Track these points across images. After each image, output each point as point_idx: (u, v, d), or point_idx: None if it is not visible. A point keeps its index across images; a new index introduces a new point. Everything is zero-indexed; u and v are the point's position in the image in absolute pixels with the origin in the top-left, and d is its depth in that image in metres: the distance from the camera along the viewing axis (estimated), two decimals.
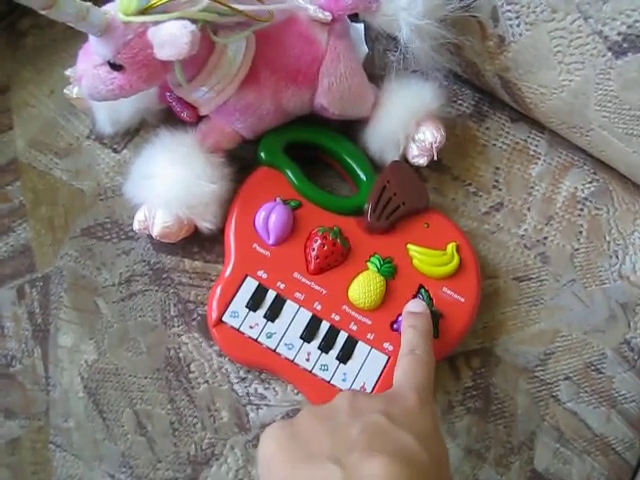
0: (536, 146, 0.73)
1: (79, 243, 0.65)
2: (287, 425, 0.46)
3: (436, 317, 0.61)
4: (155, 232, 0.60)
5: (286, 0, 0.59)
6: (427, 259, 0.62)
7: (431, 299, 0.62)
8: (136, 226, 0.61)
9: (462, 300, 0.62)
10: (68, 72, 0.67)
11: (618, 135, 0.65)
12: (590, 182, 0.72)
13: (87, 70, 0.54)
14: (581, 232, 0.70)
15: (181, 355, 0.62)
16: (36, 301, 0.63)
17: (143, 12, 0.49)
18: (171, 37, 0.49)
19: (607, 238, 0.70)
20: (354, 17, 0.65)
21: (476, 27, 0.65)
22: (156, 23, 0.50)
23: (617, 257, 0.70)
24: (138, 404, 0.60)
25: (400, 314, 0.61)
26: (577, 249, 0.69)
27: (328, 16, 0.60)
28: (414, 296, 0.62)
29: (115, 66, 0.52)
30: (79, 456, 0.60)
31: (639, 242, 0.70)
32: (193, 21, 0.49)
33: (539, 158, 0.73)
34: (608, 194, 0.72)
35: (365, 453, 0.40)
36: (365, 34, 0.69)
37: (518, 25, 0.63)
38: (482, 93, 0.75)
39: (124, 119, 0.66)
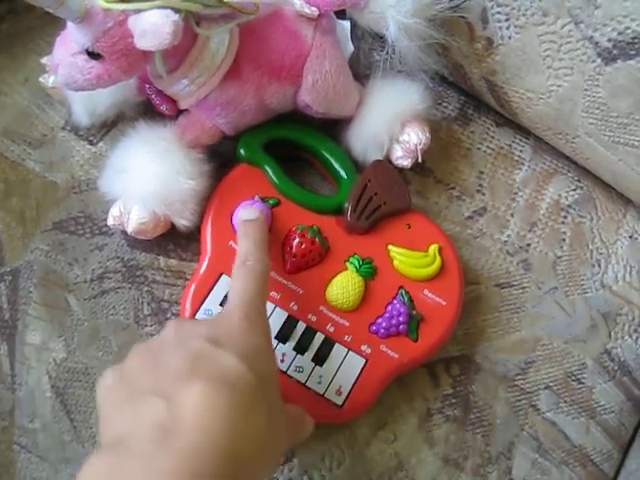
0: (521, 151, 0.72)
1: (51, 237, 0.63)
2: (118, 368, 0.44)
3: (416, 320, 0.59)
4: (130, 228, 0.59)
5: None
6: (408, 260, 0.61)
7: (412, 301, 0.60)
8: (111, 222, 0.59)
9: (443, 303, 0.61)
10: (44, 60, 0.65)
11: (604, 143, 0.64)
12: (574, 189, 0.72)
13: (64, 58, 0.52)
14: (564, 240, 0.69)
15: None
16: (4, 296, 0.61)
17: None
18: (153, 26, 0.47)
19: (590, 247, 0.70)
20: (340, 14, 0.64)
21: (465, 28, 0.64)
22: (137, 11, 0.48)
23: (599, 266, 0.69)
24: None
25: (380, 316, 0.59)
26: (560, 257, 0.69)
27: (315, 11, 0.59)
28: (394, 297, 0.60)
29: (93, 55, 0.50)
30: (44, 458, 0.57)
31: (621, 251, 0.70)
32: (176, 11, 0.48)
33: (523, 164, 0.72)
34: (592, 202, 0.71)
35: (185, 381, 0.39)
36: (351, 32, 0.68)
37: (507, 28, 0.62)
38: (467, 96, 0.74)
39: (101, 110, 0.64)
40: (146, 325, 0.61)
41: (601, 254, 0.70)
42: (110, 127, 0.67)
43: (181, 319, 0.48)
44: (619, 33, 0.57)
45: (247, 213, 0.59)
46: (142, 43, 0.48)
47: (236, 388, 0.40)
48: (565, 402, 0.65)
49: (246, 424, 0.40)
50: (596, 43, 0.58)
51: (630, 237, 0.71)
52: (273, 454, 0.44)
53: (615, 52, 0.58)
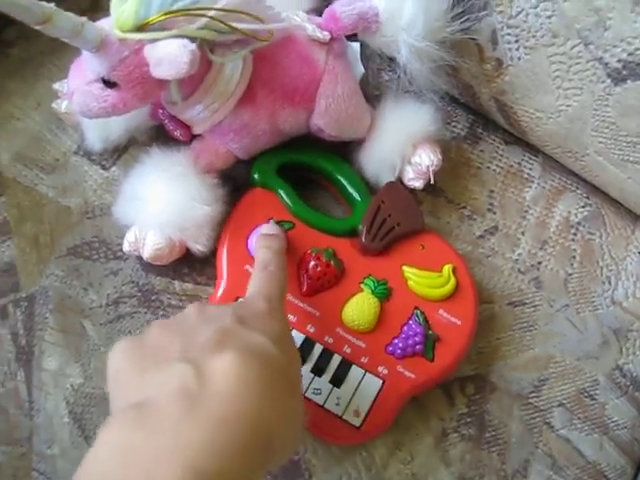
0: (530, 169, 0.73)
1: (65, 262, 0.63)
2: (136, 339, 0.44)
3: (432, 340, 0.60)
4: (146, 254, 0.59)
5: (284, 19, 0.58)
6: (423, 281, 0.61)
7: (427, 321, 0.60)
8: (126, 247, 0.60)
9: (459, 323, 0.61)
10: (56, 86, 0.65)
11: (613, 161, 0.65)
12: (583, 206, 0.72)
13: (79, 86, 0.52)
14: (574, 257, 0.70)
15: None
16: (20, 322, 0.61)
17: (140, 29, 0.48)
18: (170, 56, 0.47)
19: (600, 263, 0.70)
20: (351, 36, 0.64)
21: (474, 50, 0.65)
22: (153, 41, 0.48)
23: (610, 283, 0.70)
24: None
25: (396, 337, 0.60)
26: (570, 274, 0.69)
27: (327, 36, 0.59)
28: (409, 318, 0.61)
29: (109, 83, 0.51)
30: None
31: (631, 268, 0.70)
32: (191, 39, 0.48)
33: (533, 181, 0.72)
34: (601, 219, 0.72)
35: (214, 351, 0.40)
36: (360, 54, 0.69)
37: (517, 49, 0.62)
38: (476, 115, 0.74)
39: (114, 136, 0.64)
40: None
41: (611, 271, 0.70)
42: (122, 152, 0.67)
43: (202, 303, 0.47)
44: (629, 54, 0.57)
45: (267, 228, 0.60)
46: (158, 72, 0.49)
47: (266, 362, 0.40)
48: (578, 419, 0.65)
49: (274, 398, 0.40)
50: (606, 64, 0.59)
51: (639, 253, 0.71)
52: (294, 435, 0.43)
53: (625, 72, 0.58)
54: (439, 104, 0.67)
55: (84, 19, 0.47)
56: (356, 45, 0.68)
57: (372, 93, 0.71)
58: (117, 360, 0.43)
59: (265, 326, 0.44)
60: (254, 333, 0.42)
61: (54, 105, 0.65)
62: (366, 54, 0.71)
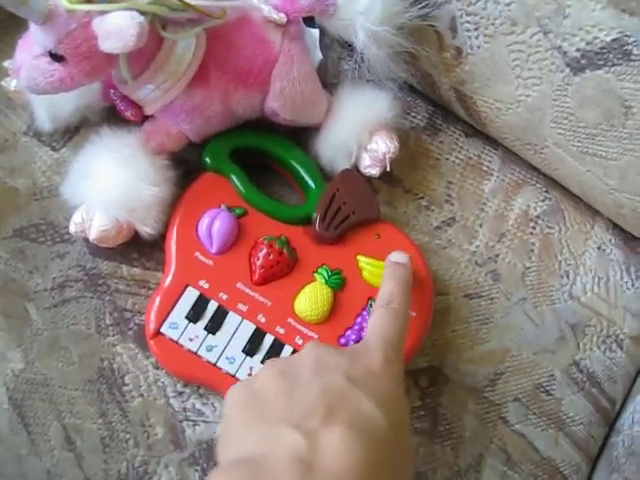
0: (489, 162, 0.72)
1: (10, 244, 0.61)
2: (248, 384, 0.45)
3: None
4: (92, 235, 0.57)
5: None
6: (377, 271, 0.60)
7: None
8: (72, 229, 0.58)
9: (413, 314, 0.60)
10: (6, 64, 0.63)
11: (572, 153, 0.64)
12: (542, 200, 0.72)
13: (26, 60, 0.51)
14: (533, 250, 0.69)
15: (115, 366, 0.58)
16: None
17: (88, 0, 0.47)
18: (117, 28, 0.47)
19: (558, 257, 0.70)
20: (309, 22, 0.63)
21: (434, 37, 0.64)
22: (102, 13, 0.47)
23: (568, 277, 0.69)
24: (67, 418, 0.57)
25: (349, 327, 0.59)
26: (528, 267, 0.69)
27: (283, 18, 0.58)
28: (363, 309, 0.59)
29: (56, 57, 0.49)
30: (0, 473, 0.56)
31: (590, 263, 0.70)
32: (142, 13, 0.47)
33: (492, 174, 0.72)
34: (560, 213, 0.71)
35: (324, 420, 0.39)
36: (320, 41, 0.68)
37: (477, 37, 0.62)
38: (436, 106, 0.74)
39: (64, 115, 0.63)
40: (108, 335, 0.59)
41: (569, 265, 0.70)
42: (73, 133, 0.65)
43: (320, 344, 0.47)
44: (587, 43, 0.57)
45: (398, 256, 0.57)
46: (106, 45, 0.48)
47: (373, 438, 0.40)
48: (534, 414, 0.64)
49: (379, 475, 0.39)
50: (565, 53, 0.58)
51: (598, 248, 0.71)
52: None
53: (583, 62, 0.58)
54: (398, 94, 0.66)
55: None
56: (315, 31, 0.67)
57: (331, 81, 0.70)
58: (230, 405, 0.44)
59: (376, 387, 0.43)
60: (363, 398, 0.41)
61: (3, 83, 0.63)
62: (326, 43, 0.71)
